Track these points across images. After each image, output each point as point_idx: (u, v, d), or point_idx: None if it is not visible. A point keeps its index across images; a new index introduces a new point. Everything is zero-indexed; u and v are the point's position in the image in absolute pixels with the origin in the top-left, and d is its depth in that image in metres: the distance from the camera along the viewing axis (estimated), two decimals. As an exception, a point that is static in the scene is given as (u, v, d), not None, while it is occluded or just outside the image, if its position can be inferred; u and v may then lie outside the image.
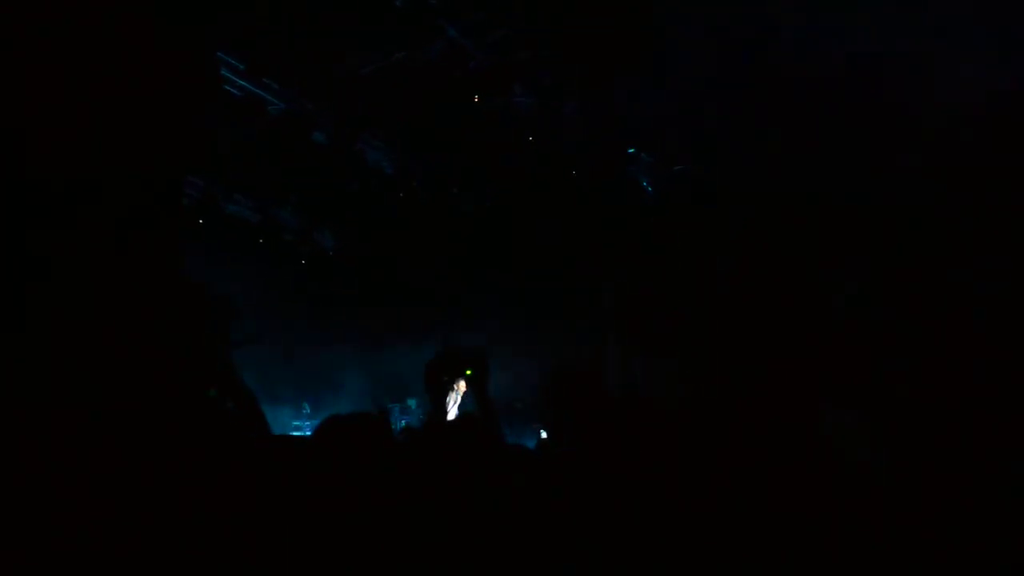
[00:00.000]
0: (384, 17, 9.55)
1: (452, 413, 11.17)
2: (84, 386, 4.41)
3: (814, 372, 10.92)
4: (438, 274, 13.46)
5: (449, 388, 4.52)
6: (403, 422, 11.11)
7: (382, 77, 10.47)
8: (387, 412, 10.66)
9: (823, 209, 11.81)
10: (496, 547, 2.89)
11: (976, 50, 8.24)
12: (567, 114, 11.60)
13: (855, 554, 3.27)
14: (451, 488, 3.11)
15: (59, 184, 4.88)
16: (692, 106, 11.15)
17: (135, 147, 5.58)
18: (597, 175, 12.78)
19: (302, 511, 3.15)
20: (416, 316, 13.42)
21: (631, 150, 12.85)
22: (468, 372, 4.11)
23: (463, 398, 11.49)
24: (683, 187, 13.48)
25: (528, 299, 13.32)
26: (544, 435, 9.96)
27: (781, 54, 9.45)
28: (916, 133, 9.45)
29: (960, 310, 10.49)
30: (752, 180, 12.02)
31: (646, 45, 10.17)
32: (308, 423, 12.14)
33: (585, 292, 13.50)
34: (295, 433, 11.87)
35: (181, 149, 7.27)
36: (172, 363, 5.16)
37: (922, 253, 10.60)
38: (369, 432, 3.31)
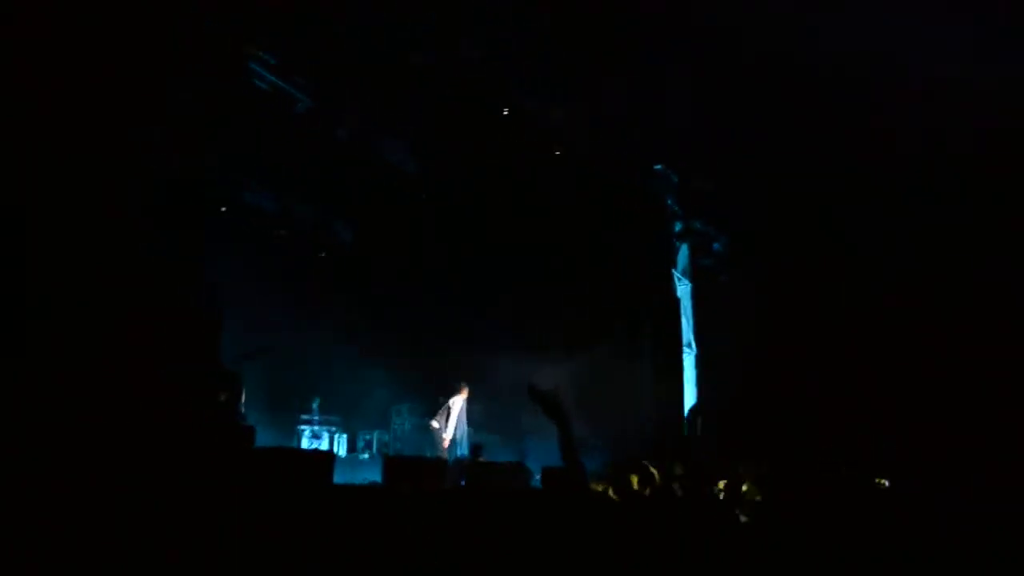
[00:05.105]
0: (415, 19, 9.53)
1: (450, 431, 11.07)
2: (96, 383, 4.41)
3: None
4: (456, 277, 13.44)
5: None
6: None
7: (411, 77, 10.44)
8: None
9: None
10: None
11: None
12: (594, 126, 11.54)
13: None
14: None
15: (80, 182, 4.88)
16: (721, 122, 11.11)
17: (156, 141, 5.57)
18: (622, 189, 12.69)
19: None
20: (431, 318, 13.41)
21: (658, 167, 12.76)
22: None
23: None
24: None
25: (548, 305, 13.25)
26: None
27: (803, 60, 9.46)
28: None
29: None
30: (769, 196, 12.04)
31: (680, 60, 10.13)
32: (318, 417, 12.13)
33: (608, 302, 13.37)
34: (302, 427, 11.89)
35: (200, 144, 7.26)
36: (182, 362, 5.17)
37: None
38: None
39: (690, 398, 13.24)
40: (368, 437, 12.74)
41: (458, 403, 11.33)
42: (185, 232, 4.66)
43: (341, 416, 12.62)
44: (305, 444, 11.59)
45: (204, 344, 5.10)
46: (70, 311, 4.00)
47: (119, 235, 4.27)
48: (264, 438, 8.73)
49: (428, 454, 11.14)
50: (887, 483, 11.18)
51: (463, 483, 9.57)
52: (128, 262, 4.27)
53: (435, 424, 11.17)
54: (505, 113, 11.22)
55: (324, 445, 11.77)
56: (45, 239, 3.98)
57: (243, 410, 9.78)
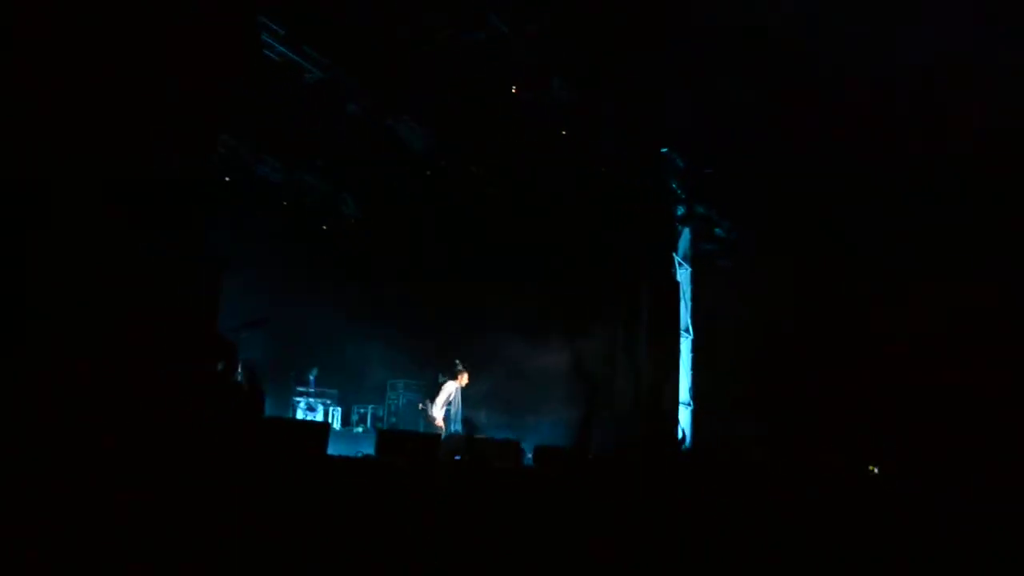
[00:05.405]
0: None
1: (438, 412, 11.09)
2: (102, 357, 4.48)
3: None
4: (458, 255, 13.46)
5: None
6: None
7: (422, 56, 10.35)
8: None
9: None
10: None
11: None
12: (604, 110, 11.46)
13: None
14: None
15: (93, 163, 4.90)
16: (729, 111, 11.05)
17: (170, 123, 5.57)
18: (629, 174, 12.64)
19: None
20: (433, 295, 13.46)
21: (664, 150, 12.69)
22: None
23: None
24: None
25: (545, 290, 13.30)
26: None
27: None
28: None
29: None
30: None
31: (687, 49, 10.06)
32: (313, 390, 12.24)
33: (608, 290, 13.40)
34: (297, 399, 12.01)
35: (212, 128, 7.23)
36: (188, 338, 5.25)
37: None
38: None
39: (685, 382, 13.36)
40: (363, 411, 12.84)
41: (451, 387, 11.22)
42: (185, 232, 4.70)
43: (337, 390, 12.72)
44: (300, 416, 11.70)
45: (201, 331, 5.16)
46: (70, 311, 4.06)
47: (119, 235, 4.31)
48: (260, 408, 8.87)
49: (422, 429, 11.24)
50: (876, 470, 11.36)
51: (457, 458, 9.68)
52: (128, 262, 4.32)
53: (420, 406, 11.23)
54: (513, 91, 11.15)
55: (319, 417, 11.88)
56: (45, 239, 4.02)
57: (239, 380, 9.85)
